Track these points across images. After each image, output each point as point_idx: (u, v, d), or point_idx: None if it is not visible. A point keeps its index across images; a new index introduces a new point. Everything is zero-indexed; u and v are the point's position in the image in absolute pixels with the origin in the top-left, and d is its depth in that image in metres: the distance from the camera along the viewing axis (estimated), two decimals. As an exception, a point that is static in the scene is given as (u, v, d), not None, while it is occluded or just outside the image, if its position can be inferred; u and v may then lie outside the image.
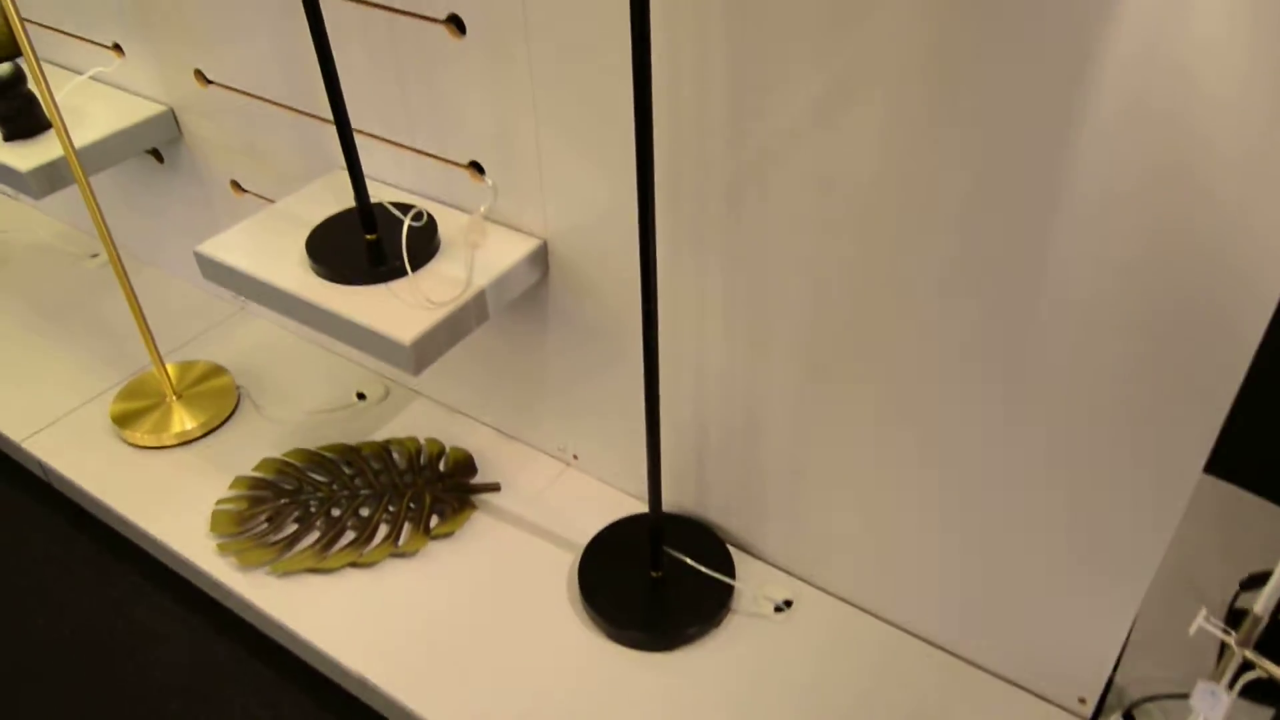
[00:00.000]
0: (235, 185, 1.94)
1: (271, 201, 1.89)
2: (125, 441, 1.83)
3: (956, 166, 1.02)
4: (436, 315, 1.33)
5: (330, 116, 1.53)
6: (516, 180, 1.46)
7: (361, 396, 1.94)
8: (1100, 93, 0.89)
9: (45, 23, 2.02)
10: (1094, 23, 0.86)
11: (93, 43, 1.95)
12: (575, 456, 1.76)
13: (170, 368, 1.97)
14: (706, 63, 1.13)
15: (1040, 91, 0.93)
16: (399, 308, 1.36)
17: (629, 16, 1.02)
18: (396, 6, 1.40)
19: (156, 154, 2.04)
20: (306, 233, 1.51)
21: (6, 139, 1.79)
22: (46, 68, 2.07)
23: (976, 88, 0.96)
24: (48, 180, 1.73)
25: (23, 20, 1.65)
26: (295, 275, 1.43)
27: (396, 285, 1.40)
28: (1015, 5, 0.89)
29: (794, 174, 1.15)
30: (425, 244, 1.45)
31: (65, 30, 1.99)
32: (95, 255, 2.39)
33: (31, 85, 1.82)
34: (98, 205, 1.66)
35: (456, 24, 1.36)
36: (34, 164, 1.72)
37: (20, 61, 1.78)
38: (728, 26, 1.10)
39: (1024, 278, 1.05)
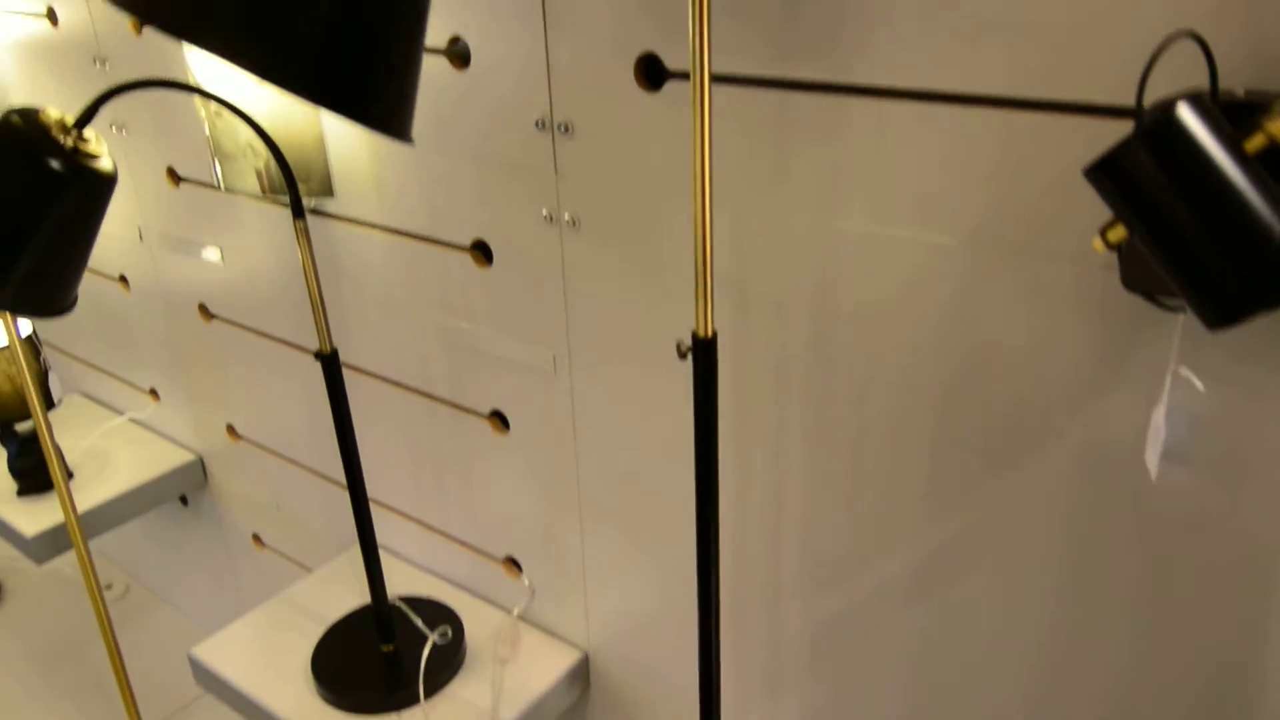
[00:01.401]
0: (257, 539, 1.79)
1: (292, 561, 1.73)
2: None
3: (1100, 653, 0.82)
4: (452, 768, 1.11)
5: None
6: (557, 582, 1.28)
7: (369, 790, 1.67)
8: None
9: (91, 361, 1.99)
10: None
11: (132, 385, 1.90)
12: None
13: (159, 746, 1.74)
14: (781, 510, 0.98)
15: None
16: (409, 752, 1.14)
17: (693, 437, 0.88)
18: (438, 395, 1.29)
19: (182, 497, 1.93)
20: (319, 631, 1.32)
21: (20, 494, 1.69)
22: (87, 404, 2.01)
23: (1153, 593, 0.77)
24: (53, 545, 1.61)
25: (44, 371, 1.59)
26: (295, 696, 1.23)
27: (411, 716, 1.19)
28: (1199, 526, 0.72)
29: (888, 640, 0.95)
30: (449, 659, 1.25)
31: (108, 370, 1.95)
32: (109, 586, 2.24)
33: (59, 437, 1.74)
34: (97, 581, 1.50)
35: (500, 419, 1.23)
36: (41, 527, 1.60)
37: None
38: (805, 458, 0.94)
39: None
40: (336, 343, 1.38)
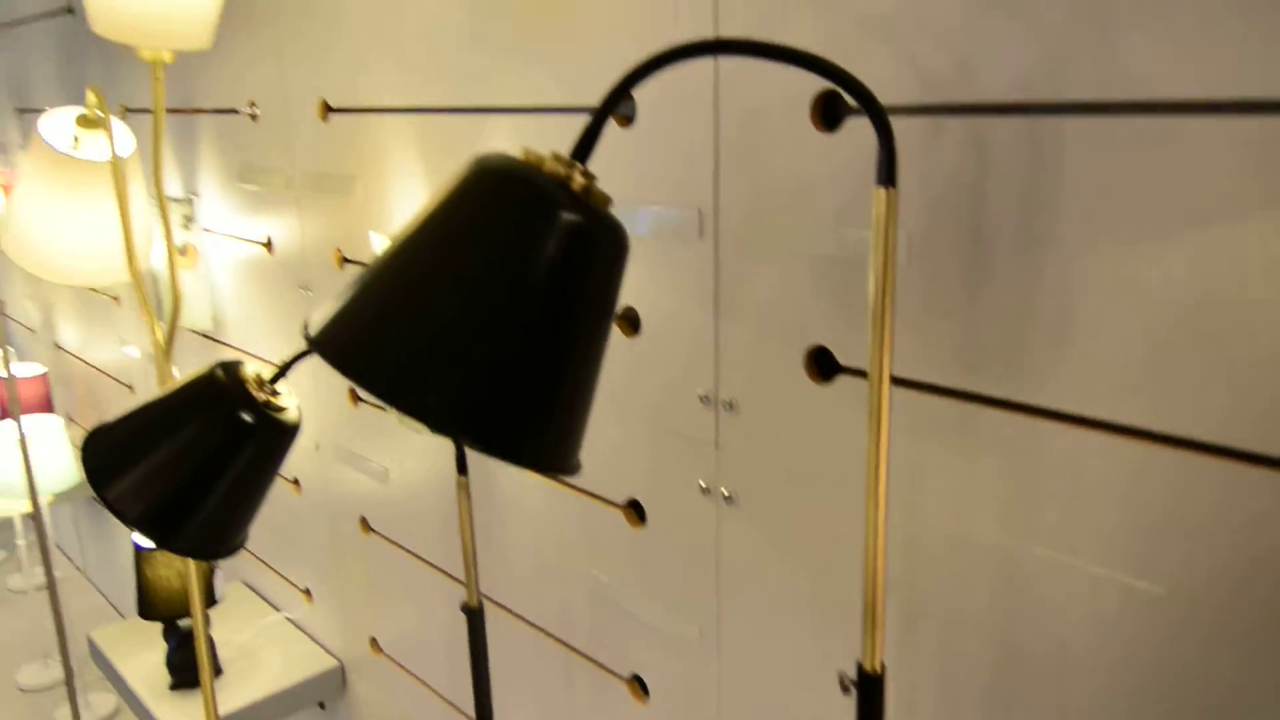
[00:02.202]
0: (385, 758, 1.76)
1: (416, 789, 1.67)
2: None
3: None
4: None
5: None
6: None
7: None
8: None
9: (257, 553, 2.07)
10: None
11: (290, 583, 1.95)
12: None
13: None
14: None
15: None
16: None
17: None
18: (579, 648, 1.25)
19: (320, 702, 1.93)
20: None
21: (174, 687, 1.73)
22: (248, 596, 2.08)
23: None
24: (193, 749, 1.62)
25: (212, 569, 1.65)
26: None
27: None
28: None
29: None
30: None
31: (270, 564, 2.02)
32: (240, 779, 2.23)
33: (216, 629, 1.80)
34: (229, 791, 1.50)
35: (639, 685, 1.17)
36: (185, 729, 1.62)
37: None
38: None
39: None
40: (483, 576, 1.37)
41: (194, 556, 0.98)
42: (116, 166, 1.31)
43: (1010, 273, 0.73)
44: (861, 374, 0.86)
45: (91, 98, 1.35)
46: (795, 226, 0.88)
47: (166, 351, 1.41)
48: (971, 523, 0.80)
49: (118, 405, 2.63)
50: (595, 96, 1.05)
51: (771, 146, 0.89)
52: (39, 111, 2.55)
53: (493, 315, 0.53)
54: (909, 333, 0.81)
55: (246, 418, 0.98)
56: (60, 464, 2.50)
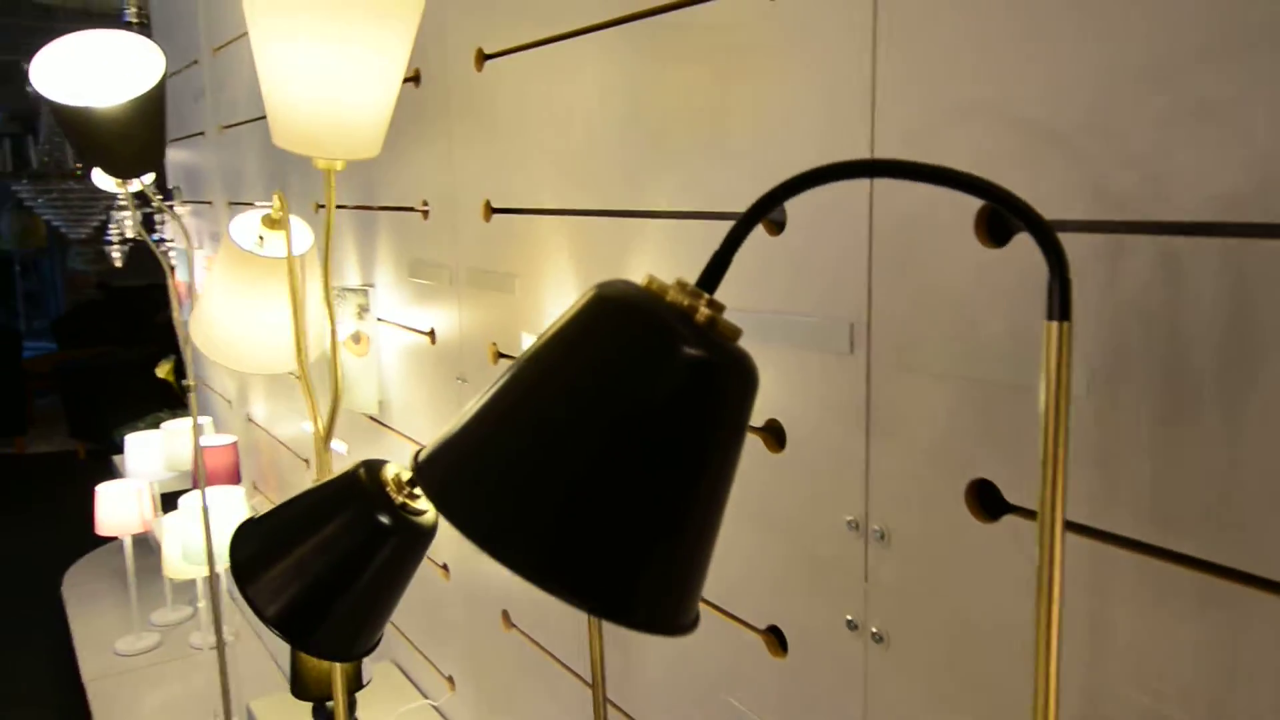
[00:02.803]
0: None
1: None
2: None
3: None
4: None
5: None
6: None
7: None
8: None
9: (406, 633, 2.09)
10: None
11: (435, 668, 1.96)
12: None
13: None
14: None
15: None
16: None
17: None
18: (711, 780, 1.16)
19: (456, 793, 1.90)
20: None
21: (317, 770, 1.74)
22: (396, 678, 2.10)
23: None
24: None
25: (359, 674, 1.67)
26: None
27: None
28: None
29: None
30: None
31: (419, 646, 2.03)
32: None
33: (361, 711, 1.81)
34: None
35: (777, 830, 1.07)
36: (323, 815, 1.63)
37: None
38: None
39: None
40: (617, 686, 1.31)
41: (326, 658, 0.98)
42: (291, 264, 1.38)
43: (1212, 414, 0.63)
44: (1031, 514, 0.77)
45: (276, 201, 1.44)
46: (957, 347, 0.80)
47: (325, 439, 1.46)
48: (1165, 700, 0.68)
49: (294, 476, 2.77)
50: (746, 204, 1.01)
51: (931, 260, 0.82)
52: (247, 205, 2.79)
53: (603, 462, 0.49)
54: (1088, 473, 0.71)
55: (383, 519, 0.98)
56: (239, 532, 2.64)
